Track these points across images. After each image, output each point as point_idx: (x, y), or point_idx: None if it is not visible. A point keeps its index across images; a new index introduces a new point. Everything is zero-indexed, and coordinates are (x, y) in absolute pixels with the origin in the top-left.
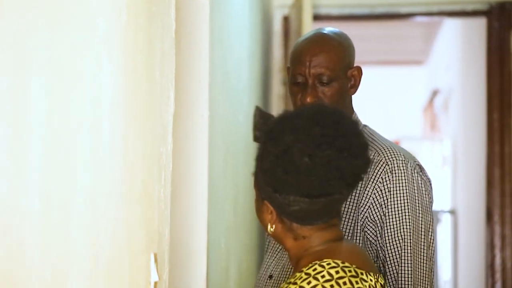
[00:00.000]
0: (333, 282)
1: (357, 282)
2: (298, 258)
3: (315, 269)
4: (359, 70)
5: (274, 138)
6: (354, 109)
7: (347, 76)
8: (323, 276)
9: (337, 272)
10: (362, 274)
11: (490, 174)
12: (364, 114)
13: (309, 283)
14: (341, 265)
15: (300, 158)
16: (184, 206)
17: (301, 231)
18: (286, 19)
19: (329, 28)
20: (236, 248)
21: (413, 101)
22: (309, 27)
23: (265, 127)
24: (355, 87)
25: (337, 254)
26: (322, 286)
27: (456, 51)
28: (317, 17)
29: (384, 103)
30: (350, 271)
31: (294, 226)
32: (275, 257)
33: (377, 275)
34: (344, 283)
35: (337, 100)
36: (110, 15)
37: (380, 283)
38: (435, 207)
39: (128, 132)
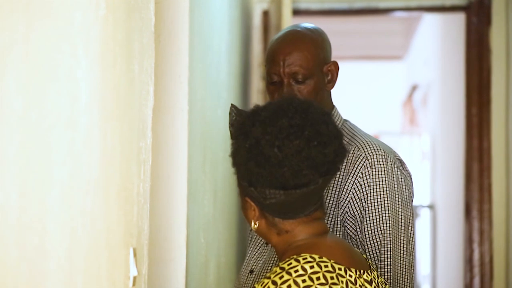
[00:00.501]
0: (305, 277)
1: (332, 278)
2: (282, 253)
3: (289, 264)
4: (336, 65)
5: (244, 132)
6: (334, 104)
7: (323, 72)
8: (296, 271)
9: (311, 267)
10: (340, 269)
11: (468, 169)
12: (344, 109)
13: (281, 277)
14: (317, 260)
15: (270, 150)
16: (163, 200)
17: (283, 225)
18: (265, 14)
19: (304, 24)
20: (216, 242)
21: (392, 96)
22: (288, 22)
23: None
24: (332, 82)
25: (316, 249)
26: (294, 280)
27: (435, 46)
28: (296, 12)
29: (364, 98)
30: (326, 266)
31: (277, 220)
32: (257, 252)
33: (361, 271)
34: (318, 278)
35: (314, 96)
36: (88, 8)
37: (365, 279)
38: (414, 202)
39: (106, 126)
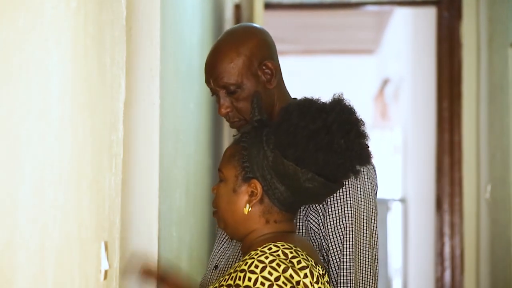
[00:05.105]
0: (287, 261)
1: (308, 265)
2: (249, 246)
3: (270, 248)
4: (271, 63)
5: (312, 116)
6: (294, 98)
7: (259, 74)
8: (278, 255)
9: (291, 253)
10: (311, 261)
11: (439, 163)
12: None
13: (266, 257)
14: (294, 248)
15: (339, 139)
16: (135, 194)
17: (277, 215)
18: (237, 7)
19: (239, 25)
20: (188, 236)
21: (363, 90)
22: (260, 16)
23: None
24: (273, 79)
25: (289, 240)
26: (282, 261)
27: (406, 40)
28: (268, 6)
29: (335, 92)
30: (302, 254)
31: (275, 209)
32: (221, 247)
33: (324, 270)
34: (299, 262)
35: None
36: (59, 0)
37: (321, 275)
38: (386, 195)
39: (78, 119)
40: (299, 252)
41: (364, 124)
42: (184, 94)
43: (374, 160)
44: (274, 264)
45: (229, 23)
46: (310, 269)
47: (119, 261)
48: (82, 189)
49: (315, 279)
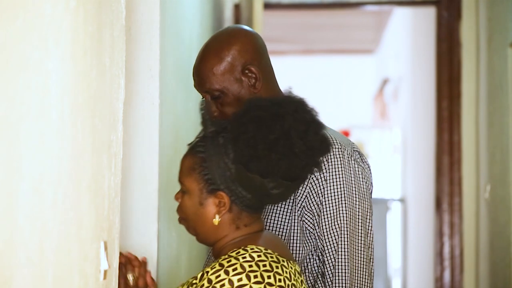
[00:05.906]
0: (252, 263)
1: (277, 267)
2: (220, 249)
3: (238, 252)
4: (254, 67)
5: (266, 125)
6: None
7: (243, 79)
8: (244, 258)
9: (258, 256)
10: (283, 261)
11: (439, 163)
12: (315, 103)
13: (229, 261)
14: (263, 251)
15: (299, 141)
16: (134, 194)
17: (247, 219)
18: (237, 7)
19: (223, 29)
20: (187, 235)
21: (363, 89)
22: (260, 15)
23: (210, 118)
24: (257, 83)
25: (259, 242)
26: (241, 265)
27: (406, 40)
28: (268, 6)
29: (335, 92)
30: (272, 257)
31: (244, 214)
32: None
33: (299, 267)
34: (264, 265)
35: (238, 104)
36: (58, 0)
37: (297, 270)
38: (385, 195)
39: (77, 119)
40: (268, 255)
41: (317, 114)
42: (184, 94)
43: (372, 160)
44: (230, 269)
45: (228, 23)
46: (274, 273)
47: (119, 261)
48: (81, 189)
49: (278, 283)
